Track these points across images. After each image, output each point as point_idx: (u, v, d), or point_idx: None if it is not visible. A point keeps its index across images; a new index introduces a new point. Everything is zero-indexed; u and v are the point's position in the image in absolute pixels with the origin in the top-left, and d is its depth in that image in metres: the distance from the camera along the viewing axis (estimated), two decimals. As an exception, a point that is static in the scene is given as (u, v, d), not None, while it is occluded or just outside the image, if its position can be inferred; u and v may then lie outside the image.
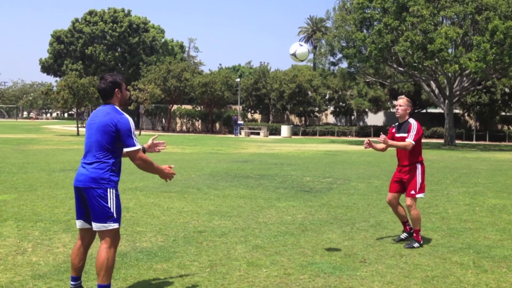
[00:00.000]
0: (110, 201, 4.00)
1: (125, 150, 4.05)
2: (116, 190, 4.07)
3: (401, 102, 6.35)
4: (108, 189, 4.00)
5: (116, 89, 4.17)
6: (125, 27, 63.76)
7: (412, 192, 6.20)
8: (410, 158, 6.26)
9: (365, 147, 6.29)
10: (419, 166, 6.26)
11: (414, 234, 6.19)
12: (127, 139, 4.01)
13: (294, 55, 5.99)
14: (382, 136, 6.12)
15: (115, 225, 4.03)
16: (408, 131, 6.22)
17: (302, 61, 6.09)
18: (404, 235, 6.41)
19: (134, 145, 4.02)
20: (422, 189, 6.26)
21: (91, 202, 3.99)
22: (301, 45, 5.98)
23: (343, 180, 12.69)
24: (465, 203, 9.39)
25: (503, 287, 4.71)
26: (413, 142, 6.15)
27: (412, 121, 6.30)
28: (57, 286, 4.54)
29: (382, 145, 6.44)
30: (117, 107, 4.16)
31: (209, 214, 7.96)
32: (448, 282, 4.82)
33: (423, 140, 34.48)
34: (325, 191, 10.68)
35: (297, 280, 4.81)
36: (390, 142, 6.21)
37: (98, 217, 3.99)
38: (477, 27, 30.24)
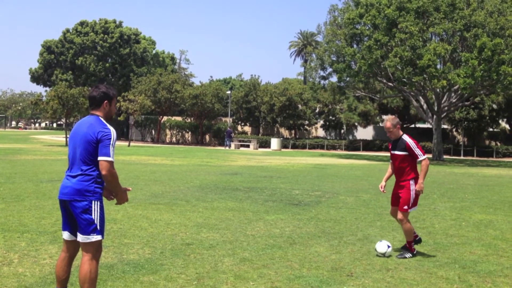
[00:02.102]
0: (95, 213, 3.99)
1: (99, 158, 3.96)
2: (101, 202, 4.06)
3: (388, 126, 6.52)
4: (93, 201, 3.99)
5: (106, 101, 4.16)
6: (116, 38, 63.78)
7: (405, 207, 6.43)
8: (404, 175, 6.50)
9: (384, 191, 6.86)
10: (412, 182, 6.46)
11: (407, 245, 6.43)
12: (104, 147, 3.95)
13: (383, 254, 6.35)
14: (419, 190, 6.40)
15: (98, 237, 4.02)
16: (408, 151, 6.42)
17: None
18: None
19: (109, 155, 3.95)
20: (415, 204, 6.50)
21: (76, 214, 3.99)
22: (389, 246, 6.39)
23: (331, 194, 12.74)
24: (451, 218, 9.46)
25: (487, 302, 4.75)
26: (425, 156, 6.43)
27: (406, 138, 6.50)
28: (43, 297, 4.51)
29: (389, 173, 6.83)
30: (101, 119, 4.13)
31: (197, 226, 7.95)
32: (433, 297, 4.85)
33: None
34: (313, 205, 10.71)
35: (284, 294, 4.82)
36: (421, 185, 6.39)
37: (82, 229, 3.99)
38: (466, 44, 30.64)
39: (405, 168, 6.46)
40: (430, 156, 35.31)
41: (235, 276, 5.32)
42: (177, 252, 6.28)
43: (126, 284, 4.95)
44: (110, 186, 4.11)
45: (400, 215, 6.45)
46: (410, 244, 6.41)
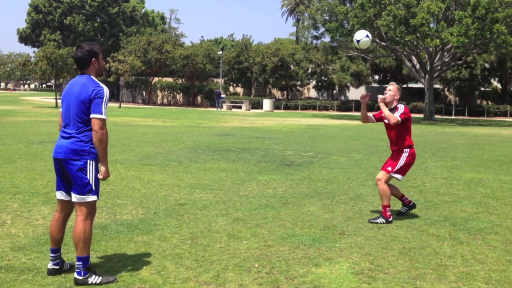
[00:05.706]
0: (90, 173, 3.96)
1: (91, 116, 3.91)
2: (96, 162, 4.02)
3: (391, 88, 6.26)
4: (88, 161, 3.96)
5: (93, 59, 4.08)
6: (104, -4, 62.32)
7: (389, 168, 6.13)
8: (398, 143, 6.18)
9: (362, 98, 6.37)
10: (407, 150, 6.16)
11: (382, 210, 6.09)
12: (96, 105, 3.90)
13: (358, 41, 6.46)
14: (380, 97, 6.16)
15: (94, 197, 4.00)
16: (395, 111, 6.13)
17: (361, 48, 6.52)
18: (403, 209, 6.44)
19: (101, 113, 3.90)
20: (400, 171, 6.15)
21: (71, 174, 3.96)
22: (368, 36, 6.43)
23: (324, 154, 12.77)
24: (442, 177, 9.54)
25: (478, 258, 4.83)
26: (399, 119, 6.02)
27: (400, 105, 6.23)
28: (37, 258, 4.52)
29: (365, 112, 6.45)
30: (93, 77, 4.06)
31: (190, 187, 7.96)
32: (424, 254, 4.92)
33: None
34: (306, 165, 10.75)
35: (277, 252, 4.87)
36: (382, 105, 6.12)
37: (78, 189, 3.97)
38: (459, 2, 30.28)
39: (398, 135, 6.16)
40: (422, 116, 35.40)
41: (228, 236, 5.36)
42: (171, 212, 6.30)
43: (120, 244, 4.97)
44: (97, 149, 3.95)
45: (379, 175, 6.16)
46: (385, 209, 6.04)
